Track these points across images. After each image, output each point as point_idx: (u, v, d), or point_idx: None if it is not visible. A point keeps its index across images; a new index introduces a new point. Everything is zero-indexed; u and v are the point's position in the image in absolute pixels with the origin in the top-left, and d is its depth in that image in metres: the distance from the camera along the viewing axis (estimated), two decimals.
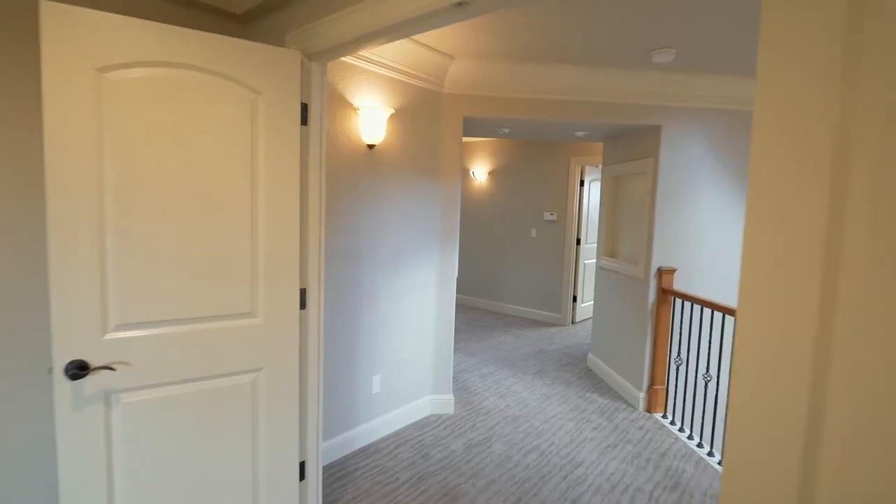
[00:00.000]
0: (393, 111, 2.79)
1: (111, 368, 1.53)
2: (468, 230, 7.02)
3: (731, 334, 2.91)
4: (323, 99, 1.95)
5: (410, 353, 3.21)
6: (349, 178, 2.69)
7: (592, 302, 6.40)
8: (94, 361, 1.52)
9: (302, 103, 1.86)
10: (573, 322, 6.14)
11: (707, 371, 2.99)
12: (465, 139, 6.80)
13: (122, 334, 1.57)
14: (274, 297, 1.82)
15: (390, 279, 2.99)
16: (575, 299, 6.10)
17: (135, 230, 1.56)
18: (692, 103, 3.44)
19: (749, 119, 3.52)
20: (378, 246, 2.89)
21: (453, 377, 4.13)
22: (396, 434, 3.08)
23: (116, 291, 1.55)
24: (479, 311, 6.66)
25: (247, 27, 2.21)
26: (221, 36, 1.66)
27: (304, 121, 1.88)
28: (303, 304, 1.94)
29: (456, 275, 3.41)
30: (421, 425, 3.21)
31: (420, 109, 3.07)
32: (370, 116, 2.66)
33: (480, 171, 6.81)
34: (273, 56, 1.75)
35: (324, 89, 1.95)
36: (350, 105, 2.64)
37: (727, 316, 2.83)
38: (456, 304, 7.02)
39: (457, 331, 5.64)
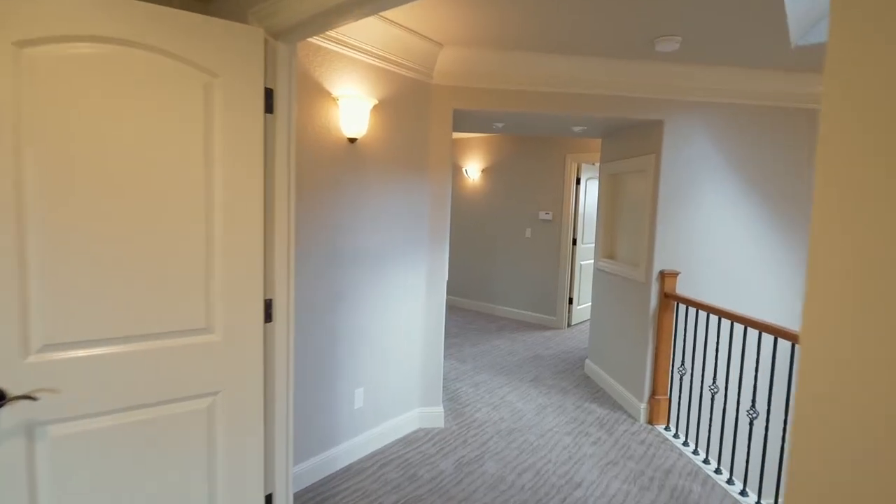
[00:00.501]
0: (376, 102, 2.57)
1: (31, 398, 1.29)
2: (461, 230, 6.80)
3: (741, 343, 2.71)
4: (292, 84, 1.73)
5: (397, 363, 2.98)
6: (328, 175, 2.46)
7: (589, 304, 6.21)
8: (12, 390, 1.29)
9: (266, 88, 1.63)
10: (569, 325, 5.94)
11: (714, 383, 2.79)
12: (456, 135, 6.58)
13: (50, 356, 1.34)
14: (234, 309, 1.59)
15: (375, 283, 2.77)
16: (571, 301, 5.90)
17: (66, 232, 1.33)
18: (697, 97, 3.24)
19: (758, 114, 3.32)
20: (361, 248, 2.67)
21: (444, 386, 3.91)
22: (382, 451, 2.86)
23: (42, 305, 1.31)
24: (471, 314, 6.45)
25: (208, 6, 1.98)
26: (170, 8, 1.43)
27: (270, 108, 1.65)
28: (268, 317, 1.71)
29: (446, 278, 3.19)
30: (408, 441, 2.99)
31: (406, 101, 2.85)
32: (351, 107, 2.43)
33: (473, 169, 6.59)
34: (231, 33, 1.52)
35: (293, 73, 1.72)
36: (328, 94, 2.41)
37: (735, 324, 2.63)
38: (448, 305, 6.81)
39: (449, 334, 5.42)
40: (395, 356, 2.97)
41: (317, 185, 2.41)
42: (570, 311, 5.92)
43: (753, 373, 2.52)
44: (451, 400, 3.64)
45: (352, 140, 2.53)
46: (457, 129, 3.96)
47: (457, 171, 6.82)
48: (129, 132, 1.39)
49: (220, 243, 1.55)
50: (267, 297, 1.70)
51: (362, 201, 2.65)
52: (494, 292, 6.47)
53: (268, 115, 1.65)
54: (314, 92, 2.35)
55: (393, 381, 2.97)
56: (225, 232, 1.55)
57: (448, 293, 6.99)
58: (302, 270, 2.37)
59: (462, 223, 6.78)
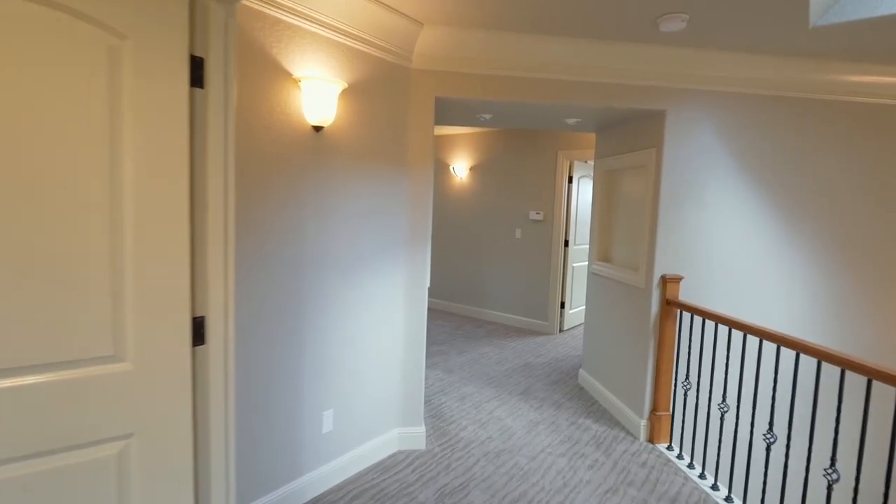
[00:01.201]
0: (346, 86, 2.25)
1: None
2: (448, 230, 6.50)
3: (756, 357, 2.43)
4: (230, 54, 1.41)
5: (372, 379, 2.67)
6: (288, 167, 2.14)
7: (582, 308, 5.94)
8: None
9: (194, 57, 1.32)
10: (561, 330, 5.66)
11: (724, 401, 2.51)
12: (442, 130, 6.28)
13: None
14: (150, 332, 1.27)
15: (346, 292, 2.46)
16: (563, 306, 5.62)
17: None
18: (702, 85, 2.96)
19: (770, 105, 3.05)
20: (328, 251, 2.35)
21: (428, 400, 3.61)
22: (355, 480, 2.54)
23: None
24: (459, 318, 6.14)
25: None
26: None
27: (198, 81, 1.34)
28: (199, 339, 1.39)
29: (428, 284, 2.89)
30: (385, 467, 2.68)
31: (382, 86, 2.54)
32: (315, 90, 2.12)
33: (461, 167, 6.29)
34: None
35: (229, 41, 1.40)
36: (288, 75, 2.09)
37: (748, 335, 2.36)
38: (435, 310, 6.51)
39: (435, 341, 5.11)
40: (370, 373, 2.65)
41: (275, 178, 2.09)
42: (561, 315, 5.64)
43: (771, 392, 2.25)
44: (435, 416, 3.33)
45: (317, 128, 2.22)
46: (440, 121, 3.66)
47: (444, 168, 6.51)
48: (11, 102, 1.07)
49: (131, 251, 1.23)
50: (197, 315, 1.38)
51: (330, 199, 2.33)
52: (483, 296, 6.17)
53: (196, 89, 1.34)
54: (271, 72, 2.03)
55: (367, 400, 2.66)
56: (136, 238, 1.23)
57: (435, 297, 6.68)
58: (256, 279, 2.05)
59: (449, 223, 6.48)
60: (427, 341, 5.12)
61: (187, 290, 1.33)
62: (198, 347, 1.39)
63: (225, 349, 1.46)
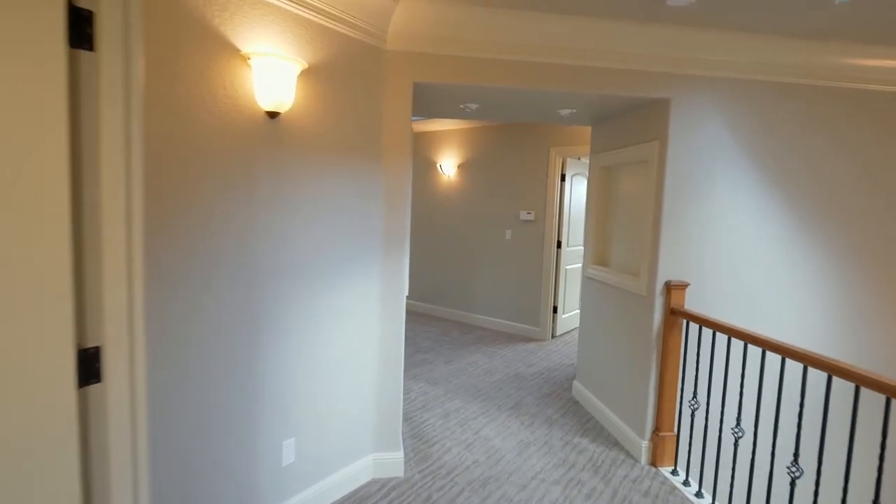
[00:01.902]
0: (306, 66, 1.94)
1: None
2: (436, 231, 6.19)
3: (778, 377, 2.14)
4: (135, 9, 1.09)
5: (342, 401, 2.36)
6: (238, 161, 1.83)
7: (575, 313, 5.66)
8: None
9: (77, 8, 1.00)
10: (553, 336, 5.38)
11: (738, 425, 2.23)
12: (429, 125, 5.96)
13: None
14: (11, 369, 0.95)
15: (310, 306, 2.14)
16: (556, 310, 5.33)
17: None
18: (712, 71, 2.68)
19: (787, 93, 2.77)
20: (290, 260, 2.04)
21: (409, 418, 3.30)
22: None
23: None
24: (446, 323, 5.84)
25: None
26: None
27: (86, 42, 1.02)
28: (92, 376, 1.07)
29: (406, 292, 2.58)
30: (357, 500, 2.36)
31: (351, 68, 2.23)
32: (269, 70, 1.80)
33: (449, 165, 5.99)
34: None
35: None
36: (235, 51, 1.78)
37: (767, 351, 2.08)
38: (421, 314, 6.20)
39: (420, 349, 4.80)
40: (340, 395, 2.34)
41: (221, 173, 1.78)
42: (554, 320, 5.35)
43: (797, 418, 1.97)
44: (416, 437, 3.03)
45: (272, 115, 1.90)
46: (421, 112, 3.35)
47: (431, 166, 6.20)
48: None
49: None
50: (88, 346, 1.06)
51: (292, 198, 2.02)
52: (472, 300, 5.87)
53: (82, 51, 1.02)
54: (213, 46, 1.71)
55: (337, 425, 2.34)
56: None
57: (421, 301, 6.37)
58: (194, 296, 1.73)
59: (437, 224, 6.17)
60: (411, 349, 4.81)
61: (69, 314, 1.01)
62: (90, 387, 1.07)
63: (131, 387, 1.14)
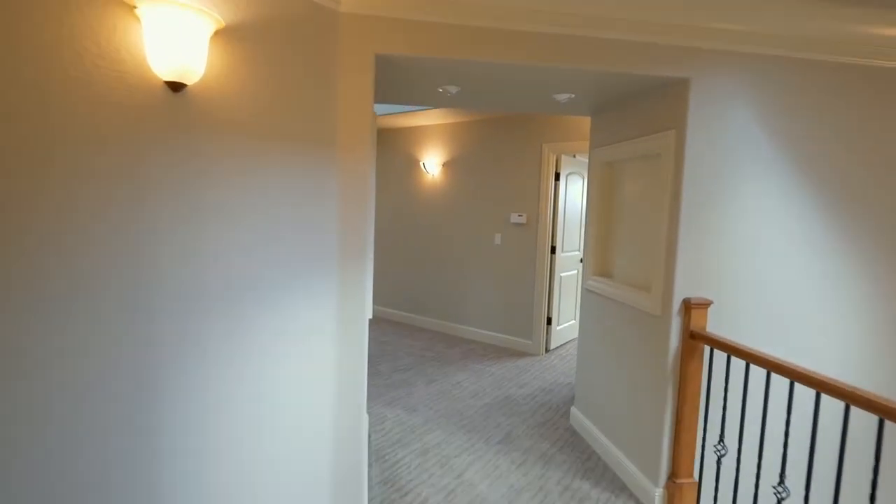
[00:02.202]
0: (223, 24, 1.46)
1: None
2: (419, 234, 5.71)
3: (842, 424, 1.68)
4: None
5: (286, 464, 1.87)
6: (125, 148, 1.33)
7: (571, 323, 5.21)
8: None
9: None
10: (547, 350, 4.91)
11: (781, 482, 1.77)
12: (411, 120, 5.47)
13: None
14: None
15: (232, 336, 1.65)
16: (549, 322, 4.87)
17: None
18: (740, 45, 2.22)
19: (829, 74, 2.30)
20: (206, 283, 1.55)
21: (380, 457, 2.81)
22: None
23: None
24: (430, 335, 5.35)
25: None
26: None
27: None
28: None
29: (369, 315, 2.10)
30: None
31: (293, 33, 1.74)
32: (165, 23, 1.31)
33: (433, 163, 5.51)
34: None
35: None
36: None
37: (813, 390, 1.63)
38: (402, 324, 5.71)
39: (399, 367, 4.31)
40: (283, 456, 1.84)
41: (100, 166, 1.28)
42: (548, 332, 4.89)
43: (871, 476, 1.51)
44: (387, 483, 2.54)
45: (174, 87, 1.41)
46: (391, 96, 2.84)
47: (413, 165, 5.72)
48: None
49: None
50: None
51: (201, 198, 1.52)
52: (458, 310, 5.40)
53: None
54: None
55: (278, 495, 1.85)
56: None
57: (403, 310, 5.88)
58: (41, 341, 1.23)
59: (421, 226, 5.69)
60: (388, 367, 4.32)
61: None
62: None
63: None
